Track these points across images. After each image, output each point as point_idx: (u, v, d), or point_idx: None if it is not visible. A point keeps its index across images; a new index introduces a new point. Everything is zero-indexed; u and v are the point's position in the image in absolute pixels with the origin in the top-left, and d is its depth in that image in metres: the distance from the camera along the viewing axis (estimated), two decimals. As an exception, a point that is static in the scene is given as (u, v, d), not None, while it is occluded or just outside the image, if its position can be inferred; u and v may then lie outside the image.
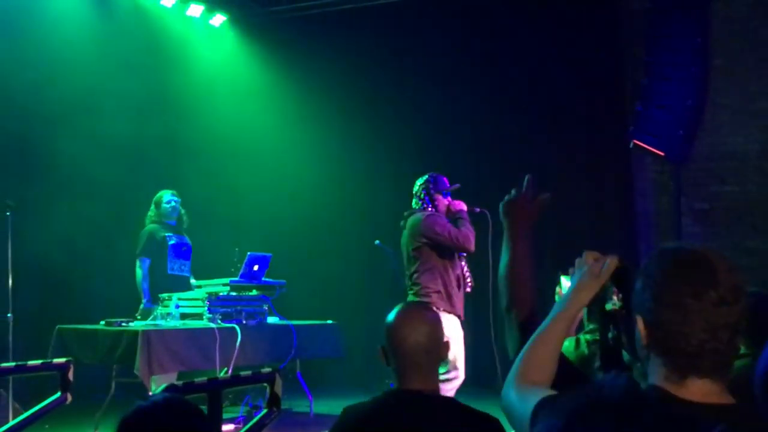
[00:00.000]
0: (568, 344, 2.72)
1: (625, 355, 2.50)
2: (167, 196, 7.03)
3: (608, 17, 8.47)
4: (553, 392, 1.65)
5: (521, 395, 1.69)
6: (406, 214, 5.96)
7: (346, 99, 9.36)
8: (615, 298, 1.98)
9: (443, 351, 2.47)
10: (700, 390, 1.47)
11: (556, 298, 2.44)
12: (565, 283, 2.41)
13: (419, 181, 5.96)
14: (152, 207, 7.04)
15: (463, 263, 5.86)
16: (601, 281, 1.86)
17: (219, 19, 9.52)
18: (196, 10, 9.19)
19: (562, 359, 2.10)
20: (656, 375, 1.51)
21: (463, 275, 5.83)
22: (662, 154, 7.97)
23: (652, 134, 7.83)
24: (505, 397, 1.76)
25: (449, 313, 5.63)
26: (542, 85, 8.66)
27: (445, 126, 9.14)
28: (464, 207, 5.86)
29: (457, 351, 5.58)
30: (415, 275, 5.77)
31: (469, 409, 2.41)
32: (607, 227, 8.30)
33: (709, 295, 1.45)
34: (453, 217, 5.81)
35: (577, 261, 1.94)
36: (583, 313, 2.31)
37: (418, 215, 5.81)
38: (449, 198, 5.92)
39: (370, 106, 9.39)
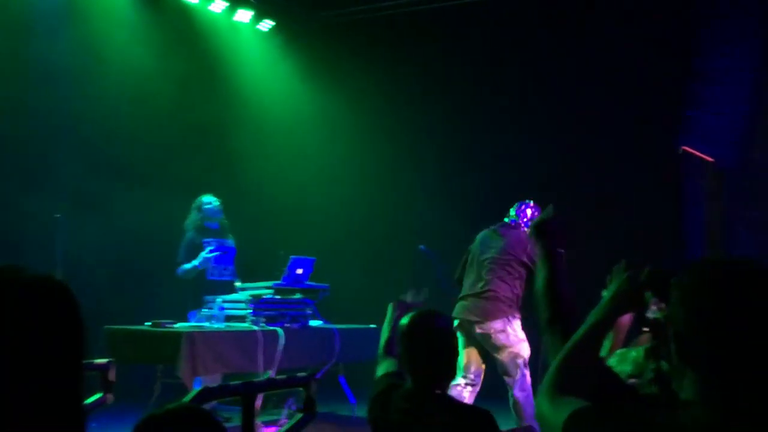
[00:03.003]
0: (636, 354, 2.66)
1: (665, 365, 2.44)
2: (207, 198, 7.10)
3: (661, 21, 8.33)
4: (587, 404, 1.61)
5: (554, 405, 1.65)
6: (502, 225, 6.18)
7: (392, 104, 9.37)
8: (654, 307, 1.93)
9: (452, 353, 2.75)
10: (742, 408, 1.42)
11: None
12: None
13: (520, 207, 6.18)
14: (192, 213, 7.11)
15: None
16: (639, 290, 1.82)
17: (267, 24, 9.59)
18: (244, 16, 9.28)
19: (605, 369, 2.06)
20: (692, 390, 1.46)
21: None
22: (712, 160, 7.80)
23: (703, 140, 7.68)
24: (537, 407, 1.72)
25: (516, 317, 5.90)
26: (590, 90, 8.55)
27: (492, 131, 9.08)
28: None
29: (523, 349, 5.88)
30: (493, 281, 5.93)
31: (462, 404, 2.71)
32: (656, 235, 8.15)
33: (745, 309, 1.40)
34: None
35: (615, 268, 1.91)
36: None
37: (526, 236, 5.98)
38: None
39: (415, 111, 9.39)
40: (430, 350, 2.65)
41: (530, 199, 6.22)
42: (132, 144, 8.05)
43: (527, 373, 5.86)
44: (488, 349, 5.88)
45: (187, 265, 6.91)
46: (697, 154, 7.71)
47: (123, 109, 7.94)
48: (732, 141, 7.81)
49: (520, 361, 5.77)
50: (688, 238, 8.19)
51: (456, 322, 5.80)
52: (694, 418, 1.42)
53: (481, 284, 5.95)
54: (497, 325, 5.79)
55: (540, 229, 2.22)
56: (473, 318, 5.86)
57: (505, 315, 5.83)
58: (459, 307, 6.01)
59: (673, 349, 1.49)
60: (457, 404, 2.68)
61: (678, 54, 8.21)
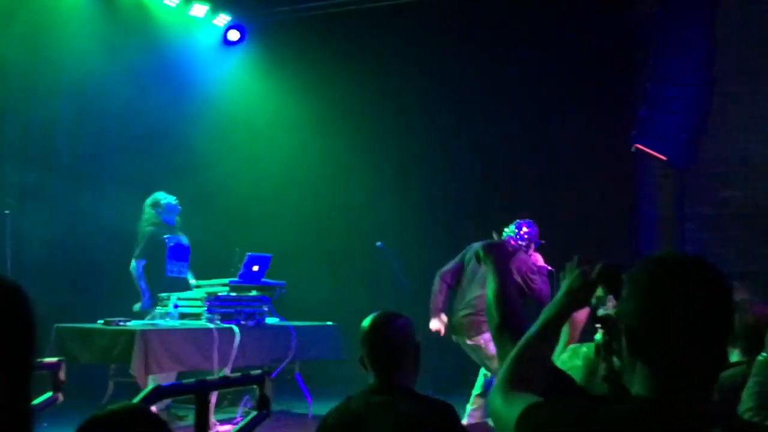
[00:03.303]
0: (587, 350, 2.71)
1: (617, 362, 2.47)
2: (163, 195, 7.01)
3: (616, 21, 8.44)
4: (539, 399, 1.61)
5: (507, 401, 1.65)
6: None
7: (350, 100, 9.35)
8: (610, 304, 1.95)
9: (413, 352, 2.85)
10: (691, 400, 1.44)
11: None
12: None
13: (519, 224, 6.32)
14: (148, 210, 6.98)
15: None
16: (591, 286, 1.84)
17: (223, 19, 9.49)
18: (200, 10, 9.17)
19: (554, 369, 2.08)
20: (642, 384, 1.48)
21: None
22: (665, 158, 7.92)
23: (656, 139, 7.78)
24: (491, 403, 1.72)
25: None
26: (547, 89, 8.63)
27: (450, 128, 9.12)
28: (542, 263, 6.29)
29: None
30: (482, 297, 5.99)
31: (426, 396, 2.80)
32: (611, 232, 8.26)
33: (695, 304, 1.42)
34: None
35: (568, 265, 1.92)
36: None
37: (521, 252, 6.21)
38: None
39: (373, 107, 9.38)
40: (390, 347, 2.80)
41: (527, 218, 6.41)
42: (84, 141, 7.93)
43: None
44: (482, 359, 6.13)
45: (144, 288, 6.78)
46: (650, 152, 7.81)
47: (75, 105, 7.81)
48: (683, 140, 7.93)
49: None
50: (641, 234, 8.31)
51: (453, 338, 6.30)
52: (644, 410, 1.44)
53: (468, 299, 6.17)
54: (486, 336, 5.96)
55: (488, 249, 2.39)
56: (462, 334, 6.17)
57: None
58: (451, 324, 6.30)
59: (624, 344, 1.51)
60: (420, 396, 2.80)
61: (633, 53, 8.32)
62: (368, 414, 2.72)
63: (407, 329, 2.86)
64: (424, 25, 9.09)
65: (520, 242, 6.27)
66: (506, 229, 6.38)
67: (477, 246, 6.35)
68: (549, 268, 6.20)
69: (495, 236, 5.94)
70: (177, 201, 7.06)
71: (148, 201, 7.03)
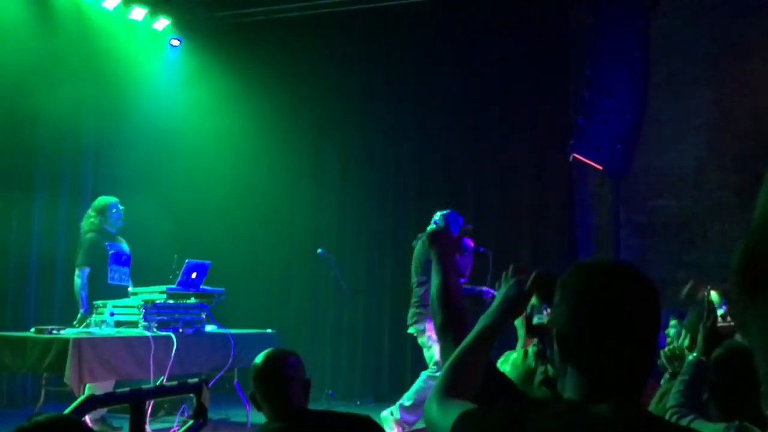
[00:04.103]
0: (516, 356, 2.75)
1: (551, 369, 2.51)
2: (113, 204, 6.86)
3: (553, 31, 8.58)
4: (473, 406, 1.63)
5: (442, 409, 1.67)
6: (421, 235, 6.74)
7: (290, 106, 9.31)
8: (545, 312, 1.98)
9: (305, 388, 2.93)
10: (620, 404, 1.47)
11: None
12: None
13: (443, 213, 6.68)
14: (93, 214, 6.84)
15: None
16: (526, 295, 1.86)
17: (162, 23, 9.36)
18: (138, 14, 9.02)
19: (494, 372, 2.10)
20: (572, 389, 1.51)
21: None
22: (600, 168, 8.08)
23: (592, 148, 7.93)
24: (427, 411, 1.74)
25: None
26: (485, 98, 8.72)
27: (392, 136, 9.15)
28: (471, 244, 6.63)
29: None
30: (419, 288, 6.60)
31: (341, 413, 2.89)
32: (548, 239, 8.38)
33: (623, 309, 1.46)
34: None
35: (504, 274, 1.94)
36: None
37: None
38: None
39: (314, 114, 9.37)
40: (285, 384, 2.85)
41: (448, 209, 6.73)
42: (18, 149, 7.72)
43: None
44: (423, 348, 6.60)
45: (84, 297, 6.64)
46: (586, 161, 7.96)
47: (8, 113, 7.58)
48: (618, 149, 8.10)
49: (433, 362, 6.41)
50: (577, 241, 8.46)
51: None
52: (571, 413, 1.47)
53: (413, 291, 6.69)
54: (419, 325, 6.54)
55: (434, 238, 2.27)
56: (409, 322, 6.66)
57: (426, 316, 6.44)
58: None
59: (556, 350, 1.53)
60: (334, 414, 2.87)
61: (570, 63, 8.46)
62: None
63: (299, 366, 2.94)
64: (364, 31, 9.12)
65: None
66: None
67: (416, 244, 6.73)
68: (481, 249, 6.49)
69: (441, 223, 6.50)
70: (121, 209, 6.91)
71: (94, 204, 6.88)
